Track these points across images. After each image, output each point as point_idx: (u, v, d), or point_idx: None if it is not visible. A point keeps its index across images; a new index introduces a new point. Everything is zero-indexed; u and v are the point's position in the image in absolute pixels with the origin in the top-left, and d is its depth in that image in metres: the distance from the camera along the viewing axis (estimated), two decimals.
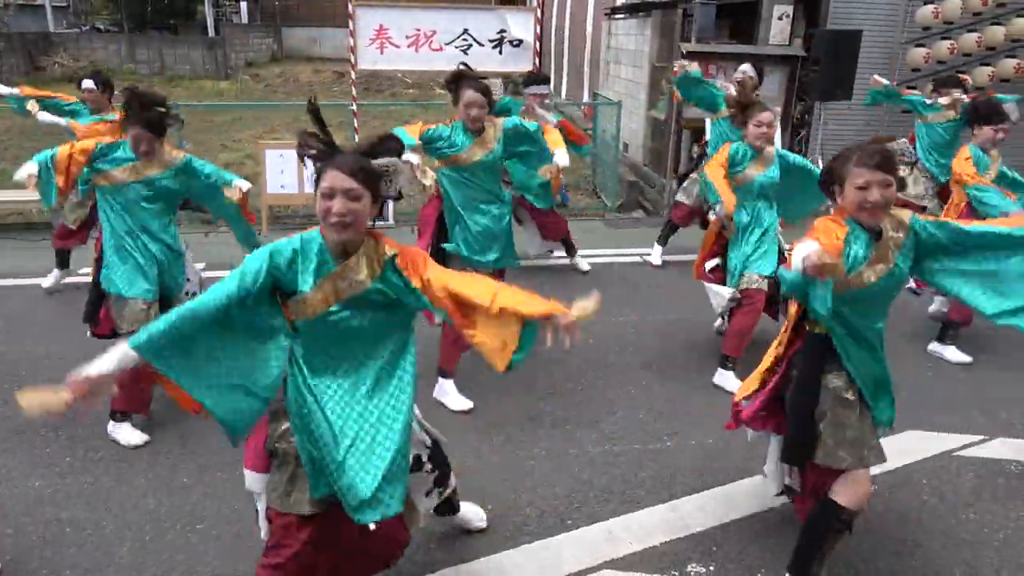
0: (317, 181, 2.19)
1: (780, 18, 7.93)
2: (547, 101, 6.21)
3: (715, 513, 3.26)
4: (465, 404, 4.09)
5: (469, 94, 3.93)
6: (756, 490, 3.40)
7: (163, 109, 3.62)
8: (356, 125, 7.91)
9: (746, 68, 5.87)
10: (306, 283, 2.19)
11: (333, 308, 2.21)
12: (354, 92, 7.95)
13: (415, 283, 2.23)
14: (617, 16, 10.66)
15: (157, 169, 3.69)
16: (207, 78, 22.29)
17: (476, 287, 2.21)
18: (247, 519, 3.09)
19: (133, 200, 3.68)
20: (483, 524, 3.09)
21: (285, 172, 7.49)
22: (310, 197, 7.67)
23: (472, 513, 3.09)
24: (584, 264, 6.39)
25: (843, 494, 2.55)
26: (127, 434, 3.69)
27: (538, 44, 7.73)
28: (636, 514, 3.25)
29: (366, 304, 2.24)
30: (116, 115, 5.11)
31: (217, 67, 23.18)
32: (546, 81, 6.33)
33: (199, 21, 28.45)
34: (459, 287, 2.20)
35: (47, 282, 5.67)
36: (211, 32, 25.49)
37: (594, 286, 5.91)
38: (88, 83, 5.59)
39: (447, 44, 7.61)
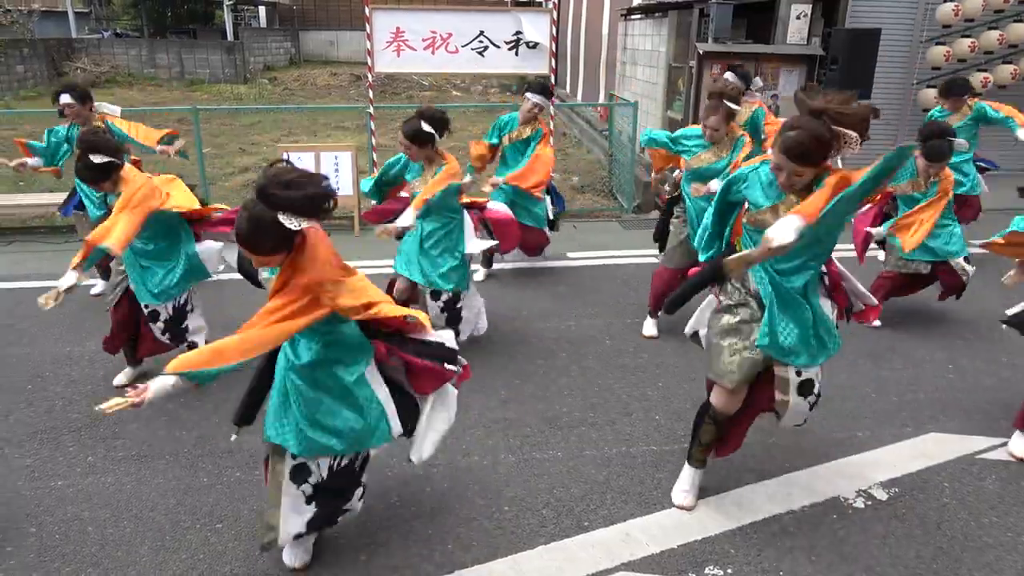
0: None
1: (798, 17, 7.88)
2: (540, 113, 5.88)
3: (732, 515, 3.24)
4: None
5: None
6: (773, 493, 3.38)
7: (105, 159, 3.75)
8: (373, 127, 7.95)
9: (728, 76, 5.85)
10: None
11: None
12: (371, 95, 7.99)
13: None
14: (633, 17, 10.64)
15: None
16: (226, 82, 22.49)
17: None
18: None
19: None
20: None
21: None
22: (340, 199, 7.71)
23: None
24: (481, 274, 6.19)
25: (715, 399, 3.15)
26: None
27: (554, 45, 7.73)
28: (653, 516, 3.24)
29: None
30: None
31: (236, 71, 23.39)
32: (543, 91, 5.87)
33: (218, 26, 28.73)
34: None
35: (96, 289, 5.72)
36: (229, 36, 25.71)
37: (611, 287, 5.93)
38: (65, 98, 5.29)
39: (463, 46, 7.64)
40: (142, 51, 23.66)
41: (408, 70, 8.33)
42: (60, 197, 7.45)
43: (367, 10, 7.41)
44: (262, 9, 30.95)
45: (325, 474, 2.73)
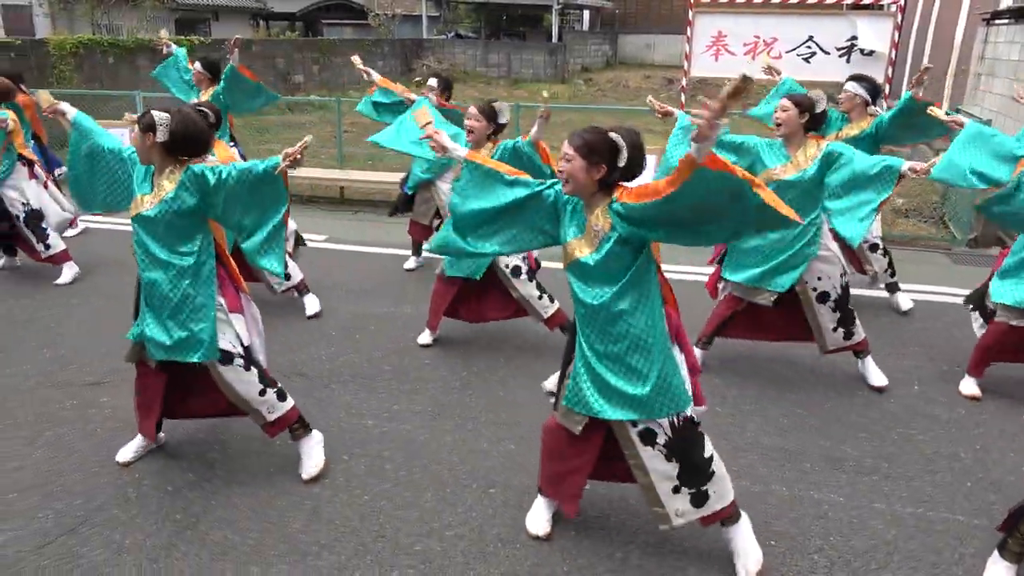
0: None
1: None
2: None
3: None
4: None
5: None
6: None
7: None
8: None
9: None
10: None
11: None
12: (683, 99, 7.94)
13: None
14: (998, 21, 9.21)
15: None
16: (545, 81, 23.94)
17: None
18: (534, 490, 3.30)
19: None
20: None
21: None
22: None
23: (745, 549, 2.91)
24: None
25: None
26: None
27: (893, 53, 7.00)
28: None
29: None
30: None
31: (556, 71, 24.77)
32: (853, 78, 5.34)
33: (545, 28, 30.64)
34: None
35: (409, 264, 6.49)
36: (554, 39, 27.28)
37: (930, 328, 5.23)
38: (432, 82, 5.95)
39: (788, 52, 7.26)
40: (478, 51, 26.13)
41: (725, 75, 8.11)
42: (398, 176, 8.54)
43: (690, 13, 7.37)
44: (586, 12, 32.30)
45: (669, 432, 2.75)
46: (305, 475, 3.41)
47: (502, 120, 4.52)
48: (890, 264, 5.51)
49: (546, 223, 2.88)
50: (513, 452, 3.68)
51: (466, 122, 4.50)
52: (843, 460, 3.67)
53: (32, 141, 6.32)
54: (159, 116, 3.09)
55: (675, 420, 2.71)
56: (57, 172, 6.85)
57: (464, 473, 3.51)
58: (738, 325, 4.43)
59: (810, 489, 3.43)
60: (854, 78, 5.21)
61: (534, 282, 4.66)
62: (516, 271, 4.60)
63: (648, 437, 2.72)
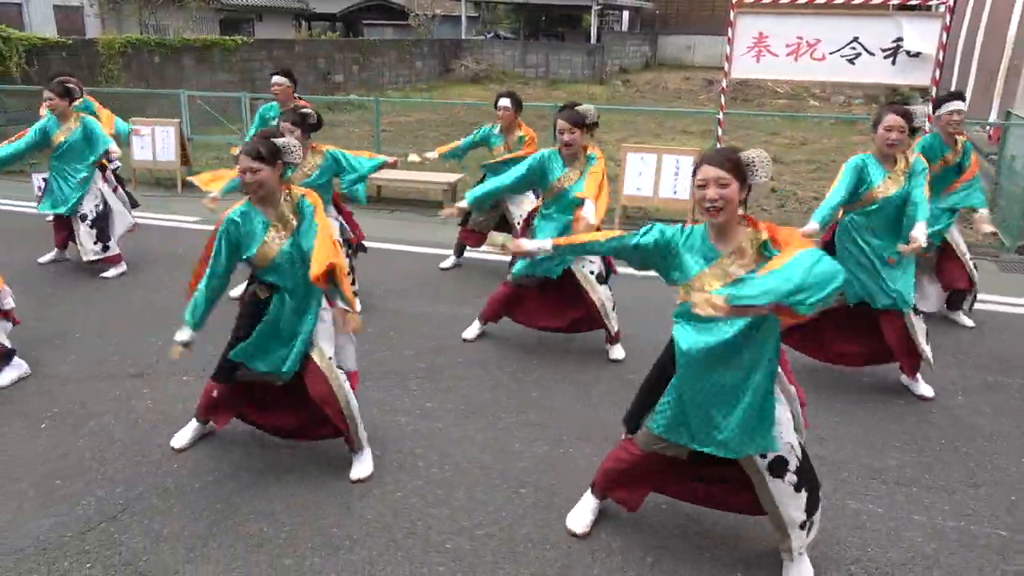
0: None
1: None
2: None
3: None
4: None
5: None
6: None
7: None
8: (720, 133, 7.82)
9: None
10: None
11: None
12: (723, 100, 7.86)
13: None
14: None
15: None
16: (583, 82, 23.87)
17: None
18: (564, 492, 3.30)
19: None
20: None
21: (643, 175, 7.73)
22: (664, 200, 7.76)
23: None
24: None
25: None
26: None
27: (941, 54, 6.82)
28: None
29: None
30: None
31: (593, 72, 24.69)
32: (959, 97, 5.25)
33: (584, 29, 30.57)
34: None
35: (445, 263, 6.53)
36: (593, 39, 27.19)
37: (974, 337, 5.10)
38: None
39: (831, 53, 7.10)
40: (516, 52, 26.15)
41: (766, 76, 8.01)
42: (438, 176, 8.60)
43: (732, 14, 7.28)
44: (626, 13, 32.12)
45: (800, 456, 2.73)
46: (354, 476, 3.45)
47: (589, 121, 4.48)
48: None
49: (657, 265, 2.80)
50: (545, 454, 3.68)
51: (560, 137, 4.46)
52: (882, 470, 3.60)
53: None
54: (282, 142, 3.17)
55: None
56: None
57: (495, 473, 3.52)
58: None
59: (848, 499, 3.37)
60: (958, 96, 5.15)
61: (611, 291, 4.65)
62: (600, 278, 4.59)
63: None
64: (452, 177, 8.74)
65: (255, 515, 3.19)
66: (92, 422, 3.92)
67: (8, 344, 4.29)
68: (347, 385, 3.39)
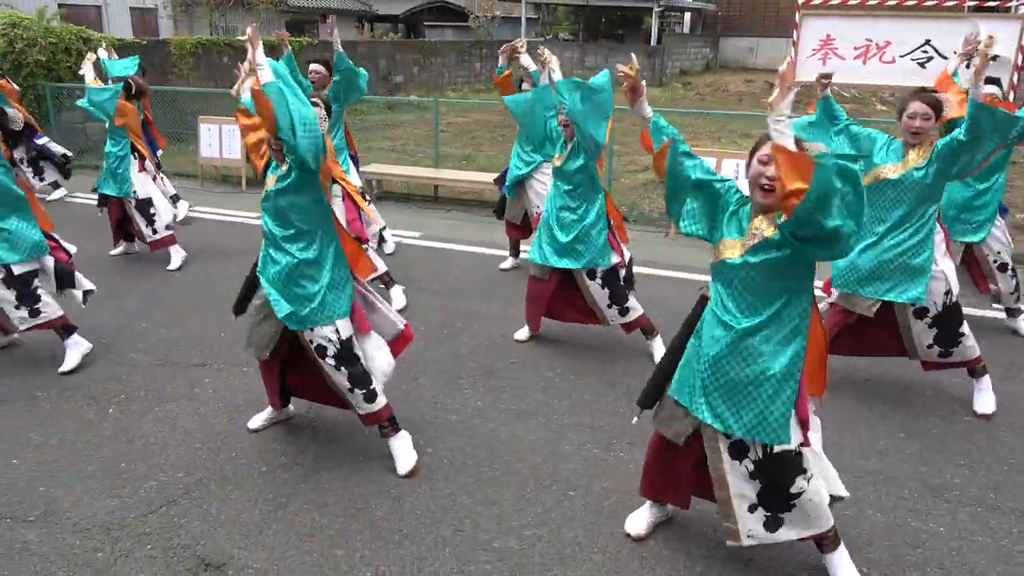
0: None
1: None
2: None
3: None
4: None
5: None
6: None
7: None
8: None
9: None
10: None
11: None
12: None
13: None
14: None
15: None
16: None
17: None
18: (614, 497, 3.28)
19: None
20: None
21: None
22: None
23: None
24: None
25: None
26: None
27: (1020, 57, 6.55)
28: None
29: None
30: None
31: (653, 74, 24.45)
32: (994, 82, 5.04)
33: (644, 31, 30.30)
34: None
35: (505, 264, 6.52)
36: (653, 41, 26.93)
37: None
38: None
39: (902, 56, 6.90)
40: (574, 54, 26.09)
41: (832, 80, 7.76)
42: (490, 176, 8.64)
43: (797, 15, 7.12)
44: (687, 15, 31.72)
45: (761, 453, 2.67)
46: (401, 471, 3.49)
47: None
48: (1017, 287, 5.13)
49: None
50: (595, 457, 3.66)
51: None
52: (945, 488, 3.46)
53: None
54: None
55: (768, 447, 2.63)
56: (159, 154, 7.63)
57: (545, 474, 3.52)
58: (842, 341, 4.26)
59: (908, 517, 3.25)
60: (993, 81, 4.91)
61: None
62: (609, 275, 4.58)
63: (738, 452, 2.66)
64: None
65: (308, 505, 3.26)
66: (156, 409, 4.06)
67: (70, 321, 4.54)
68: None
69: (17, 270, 4.32)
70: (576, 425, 3.95)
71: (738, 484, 2.67)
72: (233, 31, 20.01)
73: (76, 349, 4.52)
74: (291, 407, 3.94)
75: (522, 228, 6.15)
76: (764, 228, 2.50)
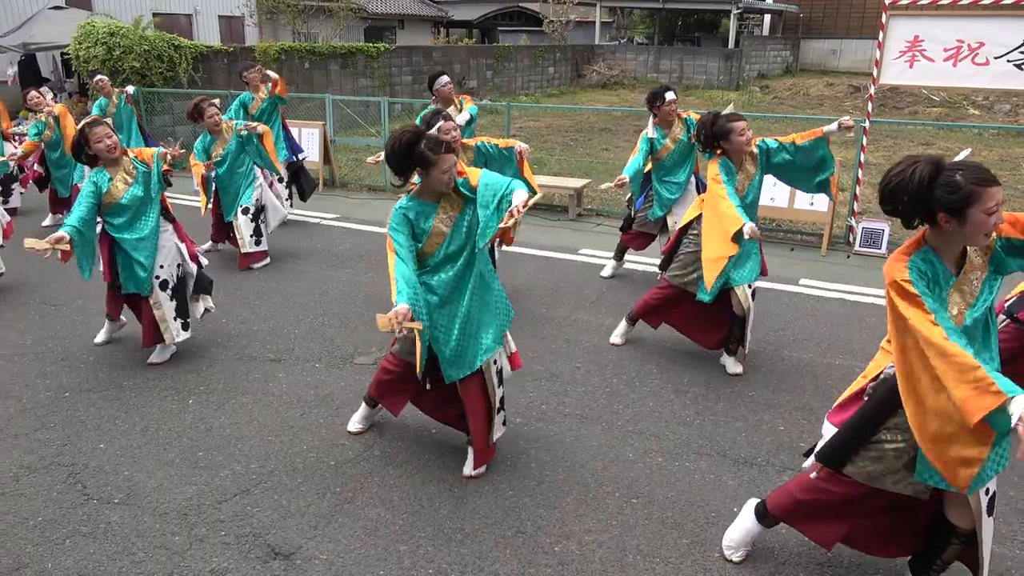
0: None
1: None
2: None
3: None
4: None
5: None
6: None
7: None
8: (864, 143, 7.37)
9: None
10: None
11: None
12: (869, 108, 7.41)
13: None
14: None
15: None
16: (718, 88, 23.21)
17: None
18: (677, 507, 3.22)
19: None
20: None
21: (777, 185, 7.38)
22: (797, 212, 7.34)
23: None
24: None
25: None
26: None
27: None
28: None
29: None
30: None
31: (730, 78, 23.96)
32: None
33: (721, 34, 29.74)
34: None
35: (605, 271, 6.45)
36: (731, 44, 26.39)
37: None
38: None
39: (997, 58, 6.53)
40: (649, 57, 25.81)
41: (920, 83, 7.43)
42: (565, 181, 8.63)
43: (883, 16, 6.85)
44: (767, 17, 30.97)
45: None
46: (467, 472, 3.52)
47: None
48: None
49: None
50: (659, 465, 3.60)
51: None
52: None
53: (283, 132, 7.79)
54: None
55: None
56: (301, 156, 8.22)
57: (607, 480, 3.49)
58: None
59: (998, 544, 3.08)
60: None
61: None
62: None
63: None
64: (579, 183, 8.74)
65: (374, 501, 3.33)
66: (233, 401, 4.23)
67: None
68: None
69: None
70: (639, 433, 3.90)
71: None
72: (314, 37, 20.63)
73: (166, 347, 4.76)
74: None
75: (650, 238, 6.06)
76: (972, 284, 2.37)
